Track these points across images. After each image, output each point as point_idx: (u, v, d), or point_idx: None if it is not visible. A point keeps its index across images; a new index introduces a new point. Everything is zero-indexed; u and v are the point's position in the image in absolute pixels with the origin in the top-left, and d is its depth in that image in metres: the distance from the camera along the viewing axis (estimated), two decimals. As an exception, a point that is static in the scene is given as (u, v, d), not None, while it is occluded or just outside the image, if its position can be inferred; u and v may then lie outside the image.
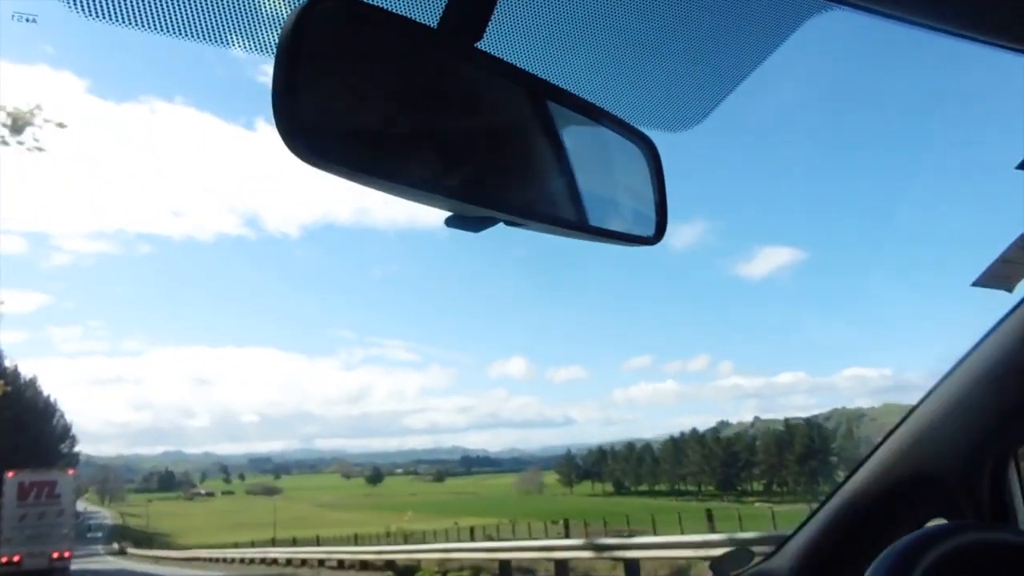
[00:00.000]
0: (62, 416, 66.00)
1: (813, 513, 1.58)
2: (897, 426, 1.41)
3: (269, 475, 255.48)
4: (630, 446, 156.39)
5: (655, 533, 20.25)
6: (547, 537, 21.66)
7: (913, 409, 1.40)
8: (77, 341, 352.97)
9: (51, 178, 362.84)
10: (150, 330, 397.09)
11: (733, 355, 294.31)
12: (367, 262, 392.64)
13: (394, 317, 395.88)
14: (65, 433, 67.56)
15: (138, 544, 70.62)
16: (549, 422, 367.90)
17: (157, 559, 45.91)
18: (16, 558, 24.79)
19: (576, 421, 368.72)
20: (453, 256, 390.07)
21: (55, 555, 25.51)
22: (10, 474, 26.32)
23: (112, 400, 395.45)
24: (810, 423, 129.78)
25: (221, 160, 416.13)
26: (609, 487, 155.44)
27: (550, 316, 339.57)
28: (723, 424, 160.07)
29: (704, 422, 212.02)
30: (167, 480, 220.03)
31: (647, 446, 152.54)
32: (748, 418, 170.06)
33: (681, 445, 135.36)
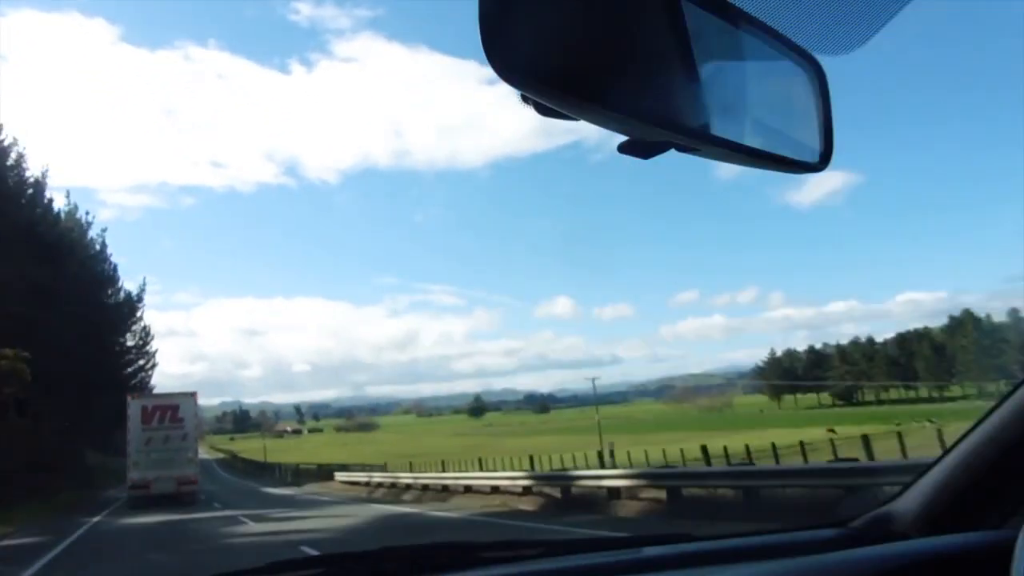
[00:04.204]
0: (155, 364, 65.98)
1: (946, 451, 1.35)
2: None
3: (335, 419, 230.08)
4: (867, 345, 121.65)
5: None
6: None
7: None
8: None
9: (92, 131, 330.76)
10: (200, 283, 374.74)
11: (783, 286, 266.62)
12: (408, 206, 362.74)
13: (437, 262, 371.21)
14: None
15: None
16: (597, 361, 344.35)
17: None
18: (145, 482, 24.73)
19: (624, 359, 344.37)
20: (493, 198, 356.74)
21: (181, 480, 25.16)
22: (131, 398, 27.42)
23: (169, 352, 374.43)
24: None
25: (257, 106, 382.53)
26: (826, 398, 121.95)
27: (594, 255, 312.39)
28: (787, 353, 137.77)
29: (754, 355, 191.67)
30: (242, 420, 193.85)
31: (894, 340, 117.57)
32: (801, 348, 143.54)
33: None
